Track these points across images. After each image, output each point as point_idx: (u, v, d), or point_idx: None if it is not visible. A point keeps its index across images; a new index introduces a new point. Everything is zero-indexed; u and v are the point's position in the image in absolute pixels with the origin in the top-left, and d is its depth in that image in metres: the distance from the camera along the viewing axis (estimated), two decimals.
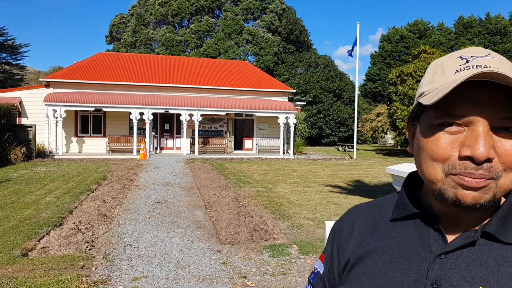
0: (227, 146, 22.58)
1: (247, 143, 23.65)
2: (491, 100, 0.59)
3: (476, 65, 0.60)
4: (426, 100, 0.62)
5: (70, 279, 4.05)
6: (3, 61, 34.83)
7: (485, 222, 0.64)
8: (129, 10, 46.46)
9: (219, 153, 22.01)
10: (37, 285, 3.91)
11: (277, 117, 21.50)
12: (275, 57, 40.35)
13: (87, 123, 21.27)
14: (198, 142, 21.43)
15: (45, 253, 4.94)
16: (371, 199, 0.86)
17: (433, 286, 0.62)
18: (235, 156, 20.58)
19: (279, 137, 22.24)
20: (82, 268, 4.46)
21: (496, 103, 0.59)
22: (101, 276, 4.25)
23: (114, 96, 19.76)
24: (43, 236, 5.62)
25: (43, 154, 18.27)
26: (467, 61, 0.62)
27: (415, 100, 0.69)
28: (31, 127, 17.33)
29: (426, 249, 0.66)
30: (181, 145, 21.93)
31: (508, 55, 48.36)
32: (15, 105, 19.03)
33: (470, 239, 0.63)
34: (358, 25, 21.48)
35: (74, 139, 20.93)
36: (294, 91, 27.02)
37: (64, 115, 18.76)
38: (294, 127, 22.39)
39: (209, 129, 22.92)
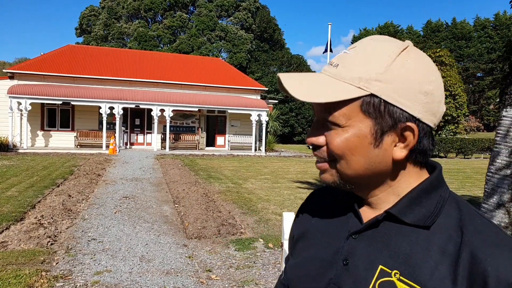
0: (199, 143, 22.46)
1: (219, 139, 23.61)
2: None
3: (330, 62, 0.67)
4: None
5: (29, 274, 3.98)
6: None
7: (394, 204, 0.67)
8: (100, 3, 45.21)
9: (190, 150, 21.87)
10: None
11: (250, 115, 21.57)
12: (248, 55, 40.40)
13: (55, 117, 20.58)
14: (169, 138, 21.20)
15: (3, 248, 4.80)
16: None
17: (343, 263, 0.67)
18: (207, 153, 20.52)
19: (251, 134, 22.34)
20: (42, 263, 4.38)
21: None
22: (62, 271, 4.19)
23: (83, 89, 19.23)
24: (2, 231, 5.45)
25: (6, 147, 17.56)
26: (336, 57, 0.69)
27: None
28: None
29: (345, 229, 0.71)
30: (152, 140, 21.63)
31: (471, 59, 50.53)
32: None
33: (375, 219, 0.67)
34: (329, 26, 21.87)
35: (40, 133, 20.22)
36: (267, 89, 27.19)
37: (29, 108, 18.08)
38: (266, 124, 22.55)
39: (181, 125, 22.70)
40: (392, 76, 0.62)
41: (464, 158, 24.49)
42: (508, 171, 3.13)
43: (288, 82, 0.64)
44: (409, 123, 0.63)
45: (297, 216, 0.87)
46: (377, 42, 0.65)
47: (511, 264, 0.57)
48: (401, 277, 0.61)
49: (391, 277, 0.62)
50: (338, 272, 0.67)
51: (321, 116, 0.67)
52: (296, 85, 0.64)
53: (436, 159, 22.40)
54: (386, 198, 0.68)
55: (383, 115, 0.63)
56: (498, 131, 3.31)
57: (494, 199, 3.16)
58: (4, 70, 21.27)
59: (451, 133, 26.57)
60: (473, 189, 11.18)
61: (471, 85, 51.14)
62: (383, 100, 0.62)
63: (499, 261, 0.57)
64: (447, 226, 0.63)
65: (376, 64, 0.62)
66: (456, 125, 26.74)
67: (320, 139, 0.67)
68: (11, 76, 19.68)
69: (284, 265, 0.91)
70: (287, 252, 0.89)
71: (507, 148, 3.17)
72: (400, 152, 0.65)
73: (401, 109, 0.62)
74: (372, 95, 0.62)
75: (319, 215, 0.79)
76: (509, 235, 0.64)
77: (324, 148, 0.67)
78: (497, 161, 3.22)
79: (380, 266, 0.63)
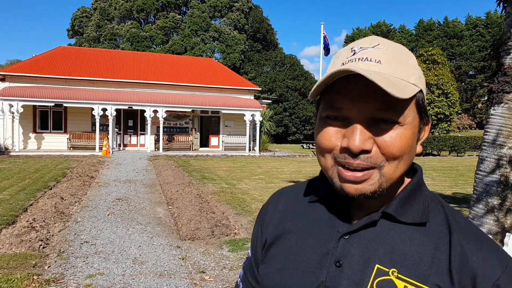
0: (192, 143, 22.41)
1: (213, 140, 23.58)
2: (365, 92, 0.59)
3: (359, 58, 0.61)
4: (310, 94, 0.64)
5: (20, 278, 3.95)
6: None
7: (388, 204, 0.67)
8: (92, 4, 44.94)
9: (184, 150, 21.81)
10: None
11: (243, 115, 21.57)
12: (241, 55, 40.39)
13: (47, 119, 20.42)
14: (163, 139, 21.13)
15: None
16: None
17: (336, 265, 0.65)
18: (201, 153, 20.48)
19: (245, 135, 22.34)
20: (34, 266, 4.35)
21: (370, 96, 0.59)
22: (54, 275, 4.16)
23: (76, 91, 19.10)
24: None
25: None
26: (354, 53, 0.63)
27: None
28: None
29: (333, 229, 0.69)
30: (145, 142, 21.54)
31: (464, 57, 50.96)
32: None
33: (371, 219, 0.66)
34: (322, 25, 21.91)
35: (32, 135, 20.05)
36: (260, 89, 27.22)
37: (21, 110, 17.92)
38: (260, 124, 22.56)
39: (174, 126, 22.64)
40: (420, 73, 0.66)
41: (457, 156, 24.68)
42: (496, 177, 3.15)
43: (376, 73, 0.59)
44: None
45: (262, 219, 0.82)
46: (387, 40, 0.66)
47: (495, 264, 0.61)
48: (399, 275, 0.62)
49: (389, 275, 0.62)
50: (331, 274, 0.65)
51: (372, 116, 0.60)
52: (384, 82, 0.58)
53: (429, 157, 22.56)
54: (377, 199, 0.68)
55: (425, 110, 0.65)
56: (487, 130, 3.34)
57: (482, 206, 3.19)
58: None
59: (444, 131, 26.76)
60: (466, 186, 11.28)
61: (463, 83, 51.57)
62: (424, 96, 0.65)
63: (486, 262, 0.61)
64: (437, 222, 0.66)
65: (410, 61, 0.64)
66: (448, 123, 26.96)
67: (369, 143, 0.61)
68: (3, 78, 19.49)
69: (244, 273, 0.84)
70: (249, 253, 0.85)
71: (494, 152, 3.19)
72: (419, 148, 0.68)
73: None
74: (421, 91, 0.64)
75: (296, 217, 0.75)
76: (485, 234, 0.68)
77: (374, 152, 0.61)
78: (485, 165, 3.24)
79: (377, 265, 0.63)
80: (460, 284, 0.60)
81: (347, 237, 0.67)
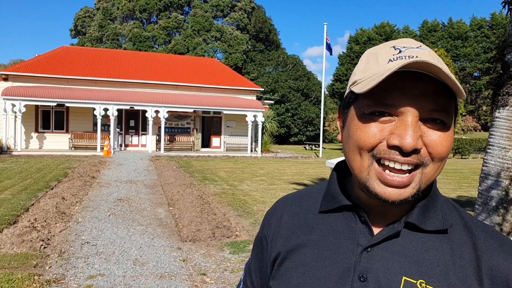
0: (194, 144, 22.40)
1: (215, 140, 23.57)
2: (422, 91, 0.59)
3: (409, 56, 0.59)
4: (358, 89, 0.61)
5: (21, 278, 3.93)
6: None
7: (408, 212, 0.65)
8: (95, 4, 45.04)
9: (185, 151, 21.81)
10: None
11: (245, 115, 21.55)
12: (244, 55, 40.40)
13: (49, 119, 20.45)
14: (164, 139, 21.13)
15: None
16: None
17: (360, 280, 0.63)
18: (202, 154, 20.47)
19: (247, 135, 22.32)
20: (35, 267, 4.33)
21: (427, 95, 0.59)
22: (55, 275, 4.14)
23: (78, 91, 19.13)
24: None
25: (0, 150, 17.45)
26: (400, 51, 0.61)
27: (347, 88, 0.68)
28: None
29: (353, 242, 0.66)
30: (147, 142, 21.55)
31: (468, 58, 50.81)
32: None
33: (394, 230, 0.64)
34: (325, 26, 21.89)
35: (34, 135, 20.09)
36: (263, 89, 27.19)
37: (23, 109, 17.95)
38: (262, 125, 22.54)
39: (176, 126, 22.64)
40: None
41: (461, 158, 24.58)
42: (501, 180, 3.11)
43: (445, 70, 0.57)
44: None
45: (267, 229, 0.79)
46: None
47: None
48: (427, 286, 0.61)
49: (417, 287, 0.61)
50: None
51: (425, 115, 0.59)
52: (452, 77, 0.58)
53: None
54: (401, 207, 0.66)
55: (456, 115, 0.65)
56: (492, 133, 3.31)
57: (487, 209, 3.15)
58: None
59: None
60: (470, 189, 11.22)
61: (468, 85, 51.36)
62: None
63: None
64: (458, 228, 0.66)
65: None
66: None
67: (420, 143, 0.59)
68: (5, 78, 19.54)
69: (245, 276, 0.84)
70: (250, 259, 0.83)
71: (500, 155, 3.15)
72: None
73: None
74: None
75: (309, 229, 0.72)
76: (507, 236, 0.70)
77: (423, 152, 0.60)
78: (489, 168, 3.21)
79: (404, 277, 0.61)
80: None
81: (369, 250, 0.64)
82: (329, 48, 21.79)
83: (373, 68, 0.62)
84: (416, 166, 0.60)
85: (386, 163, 0.60)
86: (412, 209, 0.65)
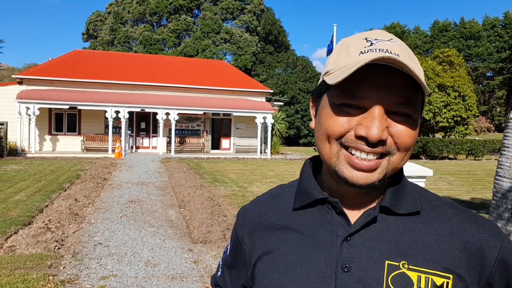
0: (204, 146, 22.50)
1: (225, 142, 23.63)
2: (390, 85, 0.60)
3: (379, 49, 0.60)
4: (330, 79, 0.62)
5: (37, 279, 4.00)
6: None
7: (380, 198, 0.68)
8: (106, 8, 45.60)
9: (196, 153, 21.91)
10: (2, 284, 3.84)
11: (255, 117, 21.57)
12: (253, 57, 40.46)
13: (62, 121, 20.77)
14: (175, 141, 21.27)
15: (11, 252, 4.84)
16: None
17: (344, 270, 0.63)
18: (212, 156, 20.55)
19: (257, 137, 22.33)
20: (49, 267, 4.40)
21: (394, 88, 0.60)
22: (69, 275, 4.21)
23: (90, 94, 19.39)
24: (11, 235, 5.50)
25: (15, 152, 17.75)
26: (372, 44, 0.62)
27: (321, 77, 0.69)
28: (2, 124, 16.81)
29: (332, 234, 0.66)
30: (157, 144, 21.71)
31: (481, 58, 50.09)
32: None
33: (371, 216, 0.65)
34: (334, 27, 21.81)
35: (47, 137, 20.40)
36: (272, 91, 27.21)
37: (37, 112, 18.26)
38: (272, 127, 22.53)
39: (186, 128, 22.77)
40: None
41: (475, 159, 24.19)
42: None
43: (412, 65, 0.59)
44: None
45: (238, 238, 0.79)
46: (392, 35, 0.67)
47: (493, 236, 0.66)
48: (410, 266, 0.62)
49: (401, 268, 0.62)
50: (341, 281, 0.63)
51: (391, 108, 0.61)
52: (417, 69, 0.60)
53: (445, 161, 22.22)
54: (373, 193, 0.68)
55: (422, 110, 0.67)
56: (506, 134, 3.27)
57: (502, 212, 3.11)
58: (13, 76, 21.54)
59: (461, 135, 26.23)
60: (484, 192, 11.04)
61: (480, 85, 50.58)
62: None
63: (487, 236, 0.66)
64: (428, 208, 0.69)
65: (416, 59, 0.65)
66: (465, 126, 26.42)
67: (386, 133, 0.61)
68: (20, 82, 19.91)
69: (222, 273, 0.86)
70: (226, 254, 0.84)
71: None
72: None
73: None
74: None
75: (284, 227, 0.72)
76: (470, 210, 0.74)
77: (389, 142, 0.62)
78: (504, 170, 3.16)
79: (387, 261, 0.63)
80: (469, 261, 0.64)
81: (349, 239, 0.65)
82: (330, 48, 21.58)
83: (344, 59, 0.63)
84: (382, 155, 0.62)
85: (353, 152, 0.62)
86: (382, 195, 0.68)
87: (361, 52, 0.61)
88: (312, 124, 0.72)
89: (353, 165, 0.62)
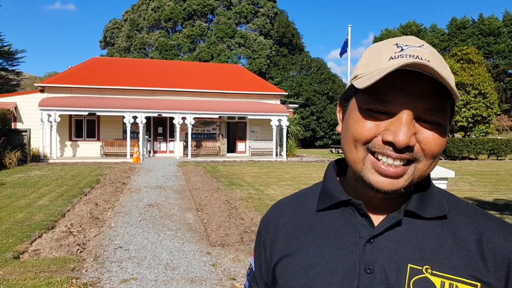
0: (220, 149, 22.65)
1: (240, 145, 23.74)
2: (420, 91, 0.60)
3: (410, 55, 0.60)
4: (359, 84, 0.62)
5: (60, 281, 4.13)
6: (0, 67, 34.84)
7: (406, 203, 0.67)
8: (122, 16, 46.55)
9: (212, 156, 22.08)
10: (28, 287, 3.98)
11: (270, 120, 21.61)
12: (267, 60, 40.56)
13: (81, 127, 21.28)
14: (191, 145, 21.48)
15: (36, 255, 5.00)
16: None
17: (366, 272, 0.64)
18: (228, 159, 20.66)
19: (272, 140, 22.35)
20: (72, 270, 4.53)
21: (424, 94, 0.60)
22: (91, 278, 4.32)
23: (108, 100, 19.80)
24: (35, 239, 5.68)
25: (37, 158, 18.25)
26: (402, 49, 0.62)
27: (349, 81, 0.69)
28: (25, 131, 17.34)
29: (355, 236, 0.67)
30: (174, 148, 21.97)
31: (502, 55, 48.85)
32: (10, 110, 19.05)
33: (395, 220, 0.65)
34: (349, 27, 21.68)
35: (68, 143, 20.92)
36: (287, 93, 27.18)
37: (58, 119, 18.76)
38: (287, 129, 22.52)
39: (202, 132, 22.99)
40: None
41: (497, 159, 23.58)
42: None
43: (443, 72, 0.58)
44: None
45: (265, 235, 0.79)
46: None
47: None
48: (433, 271, 0.62)
49: (424, 273, 0.62)
50: (363, 282, 0.63)
51: (420, 115, 0.61)
52: (449, 76, 0.60)
53: (466, 161, 21.76)
54: (398, 198, 0.68)
55: (452, 117, 0.67)
56: None
57: None
58: (35, 84, 22.19)
59: (482, 134, 25.61)
60: (509, 192, 10.76)
61: (502, 83, 49.32)
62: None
63: None
64: (456, 213, 0.68)
65: (448, 65, 0.65)
66: (487, 125, 25.79)
67: (413, 140, 0.61)
68: (42, 90, 20.51)
69: (250, 285, 0.83)
70: (252, 266, 0.83)
71: None
72: None
73: None
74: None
75: (308, 229, 0.72)
76: (501, 218, 0.72)
77: (416, 148, 0.62)
78: None
79: (409, 265, 0.63)
80: (496, 271, 0.62)
81: (372, 241, 0.65)
82: (344, 49, 21.38)
83: (374, 64, 0.63)
84: (409, 161, 0.62)
85: (380, 157, 0.62)
86: (409, 199, 0.67)
87: (391, 57, 0.61)
88: (339, 128, 0.72)
89: (379, 171, 0.62)
